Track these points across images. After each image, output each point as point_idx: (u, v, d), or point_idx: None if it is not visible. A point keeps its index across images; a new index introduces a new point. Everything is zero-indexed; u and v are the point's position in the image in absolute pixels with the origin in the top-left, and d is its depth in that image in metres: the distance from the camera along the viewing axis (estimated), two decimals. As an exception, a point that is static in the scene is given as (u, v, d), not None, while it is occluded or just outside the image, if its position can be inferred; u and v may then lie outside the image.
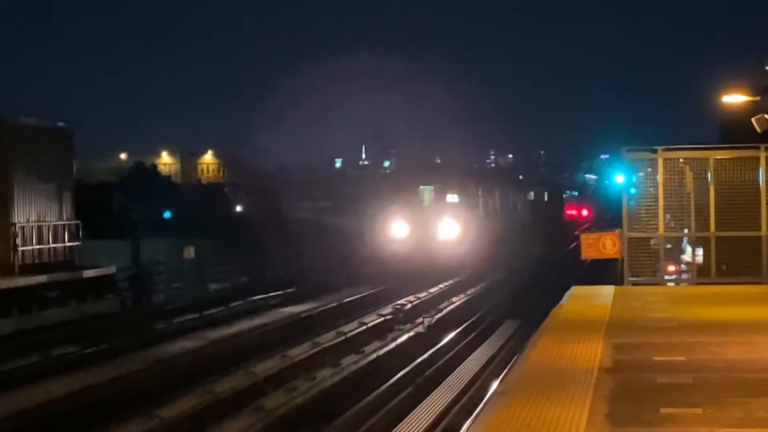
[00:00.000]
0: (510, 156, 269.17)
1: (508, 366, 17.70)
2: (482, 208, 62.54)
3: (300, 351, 30.60)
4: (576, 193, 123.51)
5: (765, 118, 27.00)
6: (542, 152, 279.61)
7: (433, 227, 55.79)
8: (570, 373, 15.87)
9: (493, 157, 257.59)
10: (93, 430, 20.26)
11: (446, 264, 53.44)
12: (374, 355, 31.28)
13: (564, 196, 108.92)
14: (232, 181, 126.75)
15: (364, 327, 36.46)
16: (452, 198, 58.37)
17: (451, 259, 54.11)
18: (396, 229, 55.70)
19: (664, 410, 13.09)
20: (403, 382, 27.14)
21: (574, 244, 72.92)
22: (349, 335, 34.49)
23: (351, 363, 29.91)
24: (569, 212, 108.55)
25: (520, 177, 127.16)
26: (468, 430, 12.80)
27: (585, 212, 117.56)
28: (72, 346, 30.51)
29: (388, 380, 27.00)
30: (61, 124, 45.97)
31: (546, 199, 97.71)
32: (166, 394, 23.75)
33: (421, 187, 58.66)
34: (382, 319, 38.58)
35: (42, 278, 36.88)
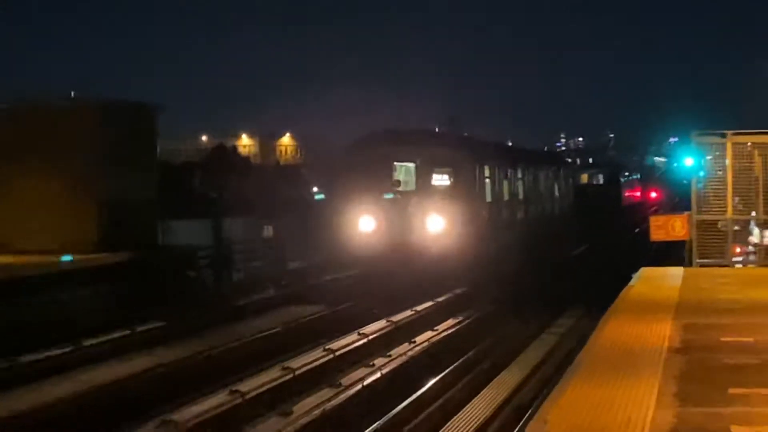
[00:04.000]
0: (580, 139, 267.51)
1: (582, 345, 17.62)
2: (490, 193, 41.58)
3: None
4: (638, 176, 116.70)
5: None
6: (612, 135, 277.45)
7: (408, 222, 37.24)
8: (639, 353, 15.86)
9: (563, 140, 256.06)
10: (171, 403, 20.35)
11: (426, 275, 35.85)
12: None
13: (622, 180, 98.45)
14: (309, 162, 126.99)
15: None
16: (441, 179, 38.72)
17: (432, 269, 36.08)
18: (360, 226, 37.98)
19: (732, 390, 13.06)
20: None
21: (634, 232, 66.80)
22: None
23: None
24: (628, 196, 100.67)
25: (571, 158, 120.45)
26: (541, 407, 12.79)
27: (654, 194, 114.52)
28: (153, 322, 30.78)
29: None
30: (143, 104, 46.40)
31: (601, 182, 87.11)
32: (245, 369, 23.86)
33: (396, 163, 38.76)
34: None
35: (125, 255, 37.24)
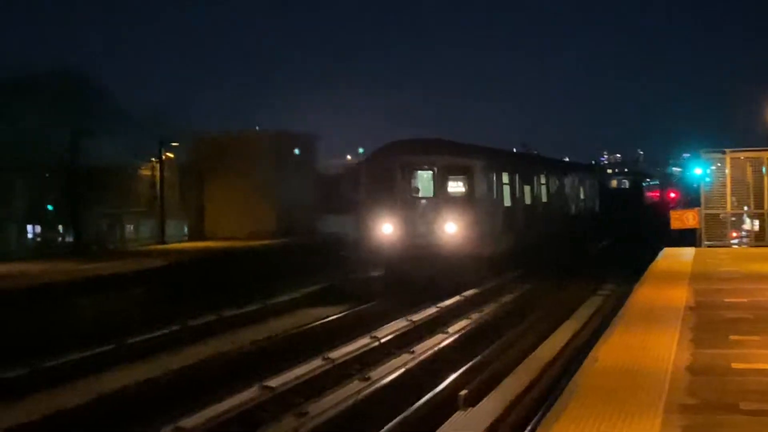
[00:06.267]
0: (618, 155, 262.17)
1: (621, 307, 17.44)
2: (509, 197, 32.92)
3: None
4: (657, 182, 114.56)
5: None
6: (641, 152, 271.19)
7: (429, 227, 28.91)
8: (664, 310, 15.70)
9: (606, 156, 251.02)
10: (335, 341, 20.41)
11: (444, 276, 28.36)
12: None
13: (644, 184, 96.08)
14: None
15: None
16: (456, 186, 29.63)
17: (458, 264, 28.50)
18: (383, 230, 29.22)
19: (732, 337, 12.89)
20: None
21: (655, 223, 63.39)
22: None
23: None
24: (649, 197, 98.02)
25: (610, 169, 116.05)
26: (593, 348, 12.71)
27: (672, 195, 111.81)
28: (318, 284, 30.79)
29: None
30: (306, 134, 46.98)
31: (627, 186, 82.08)
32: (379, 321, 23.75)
33: (418, 172, 29.62)
34: None
35: (291, 240, 37.81)
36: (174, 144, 40.23)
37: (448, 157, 29.71)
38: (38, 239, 34.28)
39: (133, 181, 38.67)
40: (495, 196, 31.07)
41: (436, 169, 29.32)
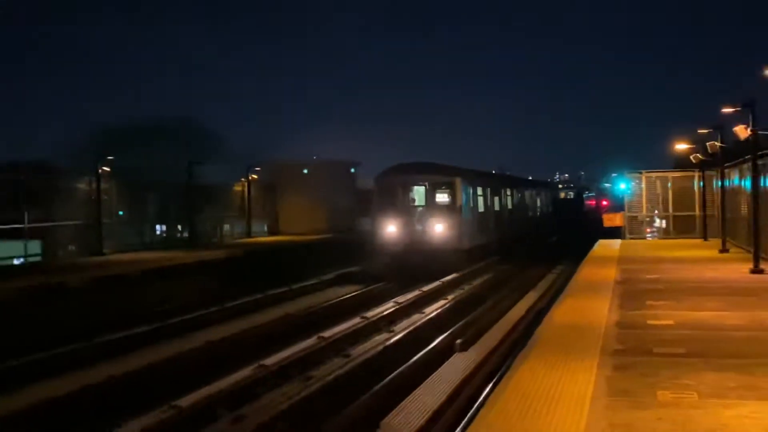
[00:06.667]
0: (566, 174, 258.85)
1: (568, 281, 17.36)
2: (482, 205, 31.07)
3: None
4: (593, 194, 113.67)
5: (698, 156, 26.24)
6: (582, 172, 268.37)
7: (422, 228, 27.17)
8: (599, 283, 15.69)
9: (558, 175, 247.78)
10: (363, 308, 19.91)
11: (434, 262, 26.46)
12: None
13: (584, 195, 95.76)
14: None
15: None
16: (442, 197, 27.95)
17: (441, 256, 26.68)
18: (389, 230, 27.30)
19: (649, 302, 12.89)
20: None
21: (592, 222, 60.37)
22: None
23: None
24: (588, 204, 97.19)
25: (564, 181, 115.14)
26: (549, 310, 12.68)
27: (604, 203, 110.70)
28: (354, 266, 30.40)
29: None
30: (348, 161, 47.05)
31: (572, 197, 79.54)
32: (396, 294, 23.54)
33: (414, 187, 27.90)
34: None
35: (338, 235, 37.83)
36: (257, 168, 40.52)
37: (436, 176, 28.48)
38: (164, 235, 34.54)
39: (229, 194, 38.94)
40: (471, 204, 29.56)
41: (427, 184, 28.01)
